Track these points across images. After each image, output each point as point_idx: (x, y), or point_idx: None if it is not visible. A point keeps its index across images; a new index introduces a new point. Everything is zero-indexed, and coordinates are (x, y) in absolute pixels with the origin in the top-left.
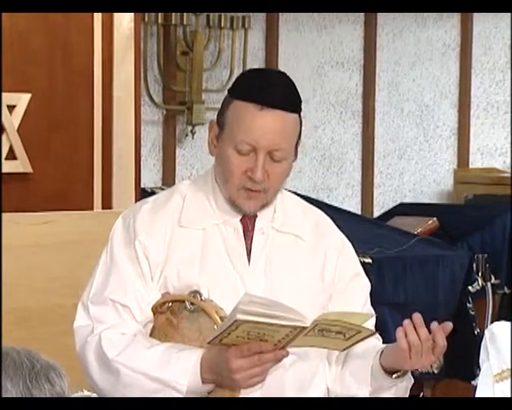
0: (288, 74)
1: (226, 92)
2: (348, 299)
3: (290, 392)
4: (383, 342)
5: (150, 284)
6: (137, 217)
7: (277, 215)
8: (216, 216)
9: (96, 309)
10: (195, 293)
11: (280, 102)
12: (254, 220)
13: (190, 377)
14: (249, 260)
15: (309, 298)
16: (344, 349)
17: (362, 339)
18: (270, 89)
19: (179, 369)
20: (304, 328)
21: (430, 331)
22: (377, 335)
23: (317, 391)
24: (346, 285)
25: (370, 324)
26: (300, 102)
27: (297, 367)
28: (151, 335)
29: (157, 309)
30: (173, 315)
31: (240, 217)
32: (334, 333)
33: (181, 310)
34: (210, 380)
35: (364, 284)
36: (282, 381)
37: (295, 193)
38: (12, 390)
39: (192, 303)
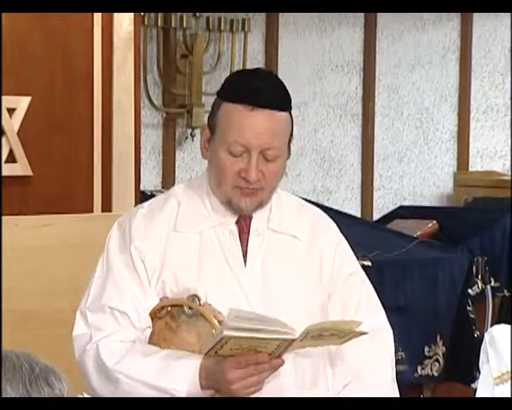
0: (284, 76)
1: None
2: (345, 299)
3: (290, 394)
4: None
5: (148, 289)
6: (133, 222)
7: (273, 215)
8: (212, 219)
9: (93, 317)
10: (194, 297)
11: (270, 101)
12: (250, 222)
13: (189, 385)
14: (245, 262)
15: (307, 298)
16: (342, 343)
17: (357, 336)
18: (259, 89)
19: (178, 377)
20: (293, 340)
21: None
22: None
23: (317, 393)
24: (342, 285)
25: (381, 319)
26: (290, 100)
27: (298, 368)
28: (150, 340)
29: (156, 314)
30: (172, 320)
31: (235, 218)
32: (327, 336)
33: (179, 314)
34: (208, 387)
35: (361, 282)
36: (281, 383)
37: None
38: (11, 393)
39: (190, 308)
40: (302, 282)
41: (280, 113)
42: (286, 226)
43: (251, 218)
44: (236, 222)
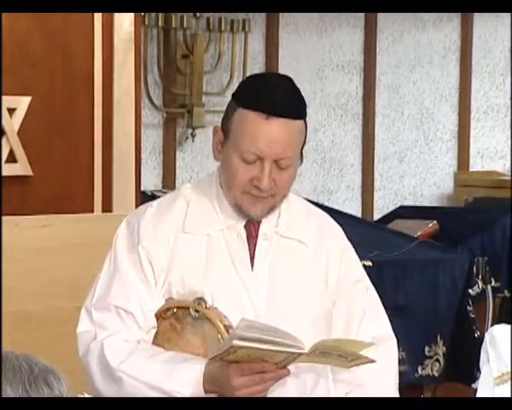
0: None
1: (226, 95)
2: (350, 306)
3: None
4: None
5: (154, 289)
6: (141, 222)
7: (282, 220)
8: (220, 221)
9: (99, 315)
10: (200, 300)
11: (285, 110)
12: (258, 226)
13: (193, 389)
14: (252, 266)
15: (312, 304)
16: (349, 367)
17: (364, 363)
18: (276, 97)
19: (182, 380)
20: (301, 354)
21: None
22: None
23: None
24: (347, 292)
25: (386, 328)
26: (305, 106)
27: (299, 378)
28: (154, 340)
29: (161, 315)
30: (177, 321)
31: (244, 222)
32: (335, 356)
33: (185, 316)
34: (212, 391)
35: (366, 290)
36: (282, 391)
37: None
38: (11, 394)
39: (196, 311)
40: (308, 287)
41: (295, 121)
42: (293, 231)
43: (259, 221)
44: (245, 225)
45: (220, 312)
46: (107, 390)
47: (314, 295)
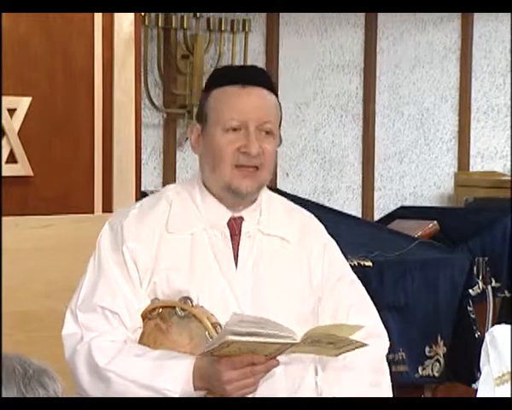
0: (284, 76)
1: None
2: (335, 302)
3: (280, 394)
4: None
5: (139, 289)
6: (124, 223)
7: (263, 218)
8: (203, 220)
9: (84, 316)
10: (186, 299)
11: (259, 80)
12: (241, 224)
13: (183, 385)
14: (237, 265)
15: (298, 300)
16: (337, 355)
17: (354, 349)
18: (248, 70)
19: (171, 377)
20: (293, 344)
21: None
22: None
23: (305, 393)
24: (332, 288)
25: (373, 323)
26: (277, 91)
27: (288, 369)
28: (140, 341)
29: (146, 315)
30: (162, 321)
31: (227, 219)
32: (325, 343)
33: (171, 316)
34: (202, 388)
35: (351, 284)
36: (272, 387)
37: (293, 196)
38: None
39: (183, 309)
40: (292, 284)
41: (270, 93)
42: (276, 229)
43: (242, 220)
44: (228, 224)
45: (206, 310)
46: (96, 391)
47: (299, 291)
